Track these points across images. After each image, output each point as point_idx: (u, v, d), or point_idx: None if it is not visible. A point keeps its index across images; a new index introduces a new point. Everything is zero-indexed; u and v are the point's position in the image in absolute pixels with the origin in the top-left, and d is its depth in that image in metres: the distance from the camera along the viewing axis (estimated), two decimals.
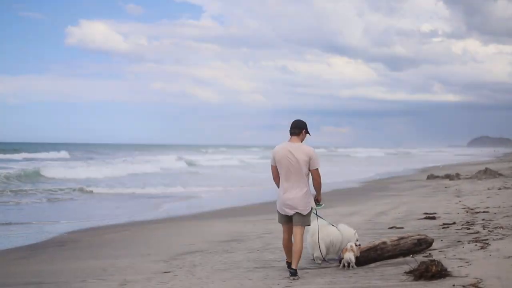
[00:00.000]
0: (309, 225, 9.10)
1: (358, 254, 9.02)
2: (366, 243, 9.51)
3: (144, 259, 11.24)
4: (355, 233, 9.67)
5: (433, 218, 14.28)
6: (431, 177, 32.72)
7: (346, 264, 8.97)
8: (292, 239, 9.00)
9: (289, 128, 9.03)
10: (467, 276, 7.55)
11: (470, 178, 29.85)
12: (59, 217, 19.23)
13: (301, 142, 8.98)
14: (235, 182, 35.09)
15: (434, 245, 10.01)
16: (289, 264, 9.00)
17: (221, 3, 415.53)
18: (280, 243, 11.86)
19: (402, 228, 12.84)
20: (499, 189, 21.75)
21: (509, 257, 8.41)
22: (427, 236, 9.99)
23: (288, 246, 9.10)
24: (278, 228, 14.32)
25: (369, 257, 9.13)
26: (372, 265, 9.07)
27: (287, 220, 9.01)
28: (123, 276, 9.62)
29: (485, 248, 9.32)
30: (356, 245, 9.07)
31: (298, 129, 8.97)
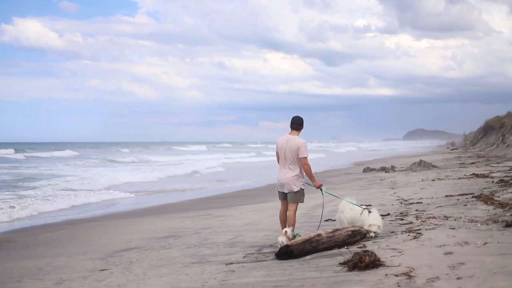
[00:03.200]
0: (302, 202, 10.93)
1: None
2: (301, 236, 9.62)
3: (81, 257, 11.12)
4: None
5: None
6: (367, 170, 33.26)
7: (279, 246, 9.68)
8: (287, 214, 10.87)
9: (290, 123, 10.88)
10: (399, 265, 7.71)
11: (405, 170, 30.44)
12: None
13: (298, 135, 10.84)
14: None
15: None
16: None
17: None
18: (217, 238, 12.09)
19: None
20: (433, 180, 22.26)
21: (440, 246, 8.64)
22: (361, 227, 10.18)
23: (282, 218, 10.95)
24: (216, 224, 14.46)
25: (304, 249, 9.22)
26: (308, 257, 9.17)
27: (282, 197, 10.89)
28: (59, 275, 9.52)
29: (418, 238, 9.55)
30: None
31: (298, 124, 10.86)
